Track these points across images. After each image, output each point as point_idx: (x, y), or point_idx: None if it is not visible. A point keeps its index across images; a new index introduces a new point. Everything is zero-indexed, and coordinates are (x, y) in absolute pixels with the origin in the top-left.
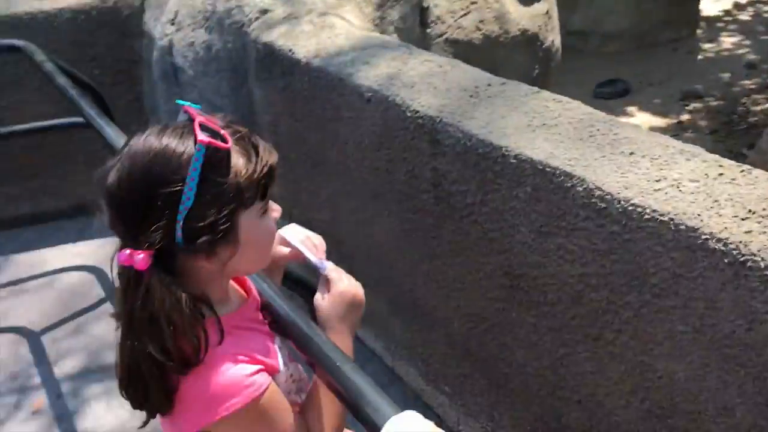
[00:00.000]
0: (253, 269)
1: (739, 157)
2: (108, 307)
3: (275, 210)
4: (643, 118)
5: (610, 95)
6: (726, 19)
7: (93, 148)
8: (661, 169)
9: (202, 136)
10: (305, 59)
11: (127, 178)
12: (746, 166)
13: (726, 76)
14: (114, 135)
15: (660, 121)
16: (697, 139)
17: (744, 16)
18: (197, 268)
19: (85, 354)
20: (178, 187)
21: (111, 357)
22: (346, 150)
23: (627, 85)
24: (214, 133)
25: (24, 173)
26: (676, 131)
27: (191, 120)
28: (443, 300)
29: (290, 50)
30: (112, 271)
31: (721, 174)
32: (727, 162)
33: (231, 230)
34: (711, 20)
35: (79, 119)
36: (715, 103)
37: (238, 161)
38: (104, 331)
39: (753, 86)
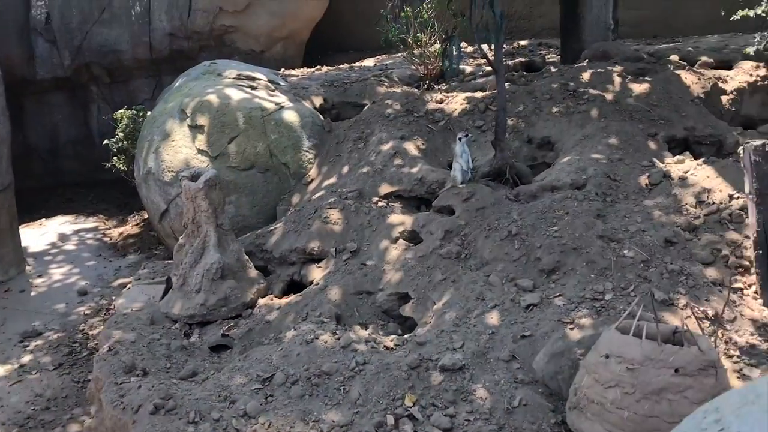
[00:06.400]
0: None
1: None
2: None
3: None
4: None
5: None
6: (53, 251)
7: None
8: None
9: None
10: None
11: None
12: None
13: (62, 306)
14: None
15: (1, 370)
16: (43, 377)
17: (69, 246)
18: None
19: None
20: None
21: None
22: None
23: None
24: None
25: None
26: (21, 374)
27: None
28: None
29: None
30: None
31: None
32: None
33: None
34: (38, 255)
35: None
36: (56, 336)
37: None
38: None
39: (88, 311)
